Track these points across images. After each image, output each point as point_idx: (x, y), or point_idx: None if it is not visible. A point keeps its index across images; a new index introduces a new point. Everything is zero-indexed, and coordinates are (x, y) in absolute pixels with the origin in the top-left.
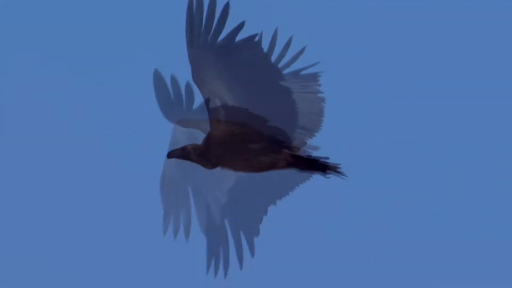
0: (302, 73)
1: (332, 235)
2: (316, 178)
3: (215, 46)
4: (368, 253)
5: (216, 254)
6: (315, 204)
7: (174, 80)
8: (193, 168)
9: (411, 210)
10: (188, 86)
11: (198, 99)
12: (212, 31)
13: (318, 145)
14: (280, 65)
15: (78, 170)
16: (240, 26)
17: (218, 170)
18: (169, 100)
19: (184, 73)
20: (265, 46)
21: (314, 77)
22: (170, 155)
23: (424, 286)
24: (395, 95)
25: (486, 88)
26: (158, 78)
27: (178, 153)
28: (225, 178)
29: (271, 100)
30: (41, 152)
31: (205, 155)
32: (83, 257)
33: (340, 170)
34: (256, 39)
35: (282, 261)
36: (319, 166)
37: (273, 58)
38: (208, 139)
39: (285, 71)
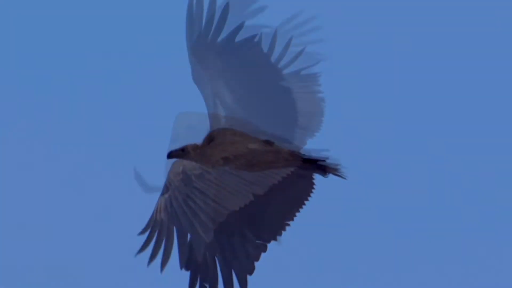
0: (302, 73)
1: (332, 235)
2: (316, 178)
3: (215, 46)
4: (368, 253)
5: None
6: (315, 204)
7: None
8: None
9: (411, 210)
10: (225, 8)
11: (199, 102)
12: (212, 31)
13: (318, 146)
14: (280, 65)
15: (78, 170)
16: (240, 26)
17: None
18: (199, 25)
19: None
20: (265, 45)
21: (314, 77)
22: (170, 155)
23: (424, 286)
24: (396, 95)
25: (486, 86)
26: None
27: (178, 153)
28: (217, 214)
29: (271, 100)
30: (41, 153)
31: (205, 155)
32: (83, 257)
33: (339, 171)
34: (256, 39)
35: (282, 261)
36: (319, 166)
37: (273, 57)
38: (208, 139)
39: (285, 71)
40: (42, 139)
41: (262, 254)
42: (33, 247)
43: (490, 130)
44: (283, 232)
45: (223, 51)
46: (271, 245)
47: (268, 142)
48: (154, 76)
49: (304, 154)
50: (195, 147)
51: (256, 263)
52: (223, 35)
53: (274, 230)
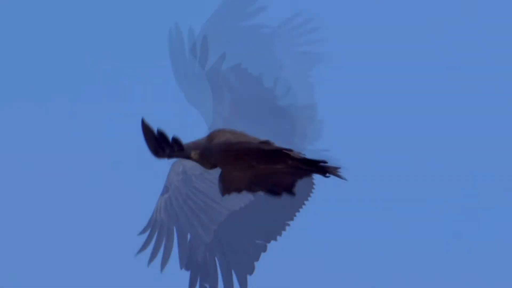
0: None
1: (332, 235)
2: (316, 178)
3: (202, 75)
4: (368, 253)
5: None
6: (315, 204)
7: (191, 32)
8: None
9: (411, 210)
10: (204, 38)
11: (212, 57)
12: (197, 61)
13: (318, 146)
14: (274, 90)
15: (76, 172)
16: (223, 56)
17: (207, 207)
18: (184, 57)
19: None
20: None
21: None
22: (170, 155)
23: (425, 286)
24: (396, 95)
25: (487, 86)
26: (175, 32)
27: (178, 153)
28: (216, 214)
29: (267, 119)
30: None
31: (205, 155)
32: (83, 257)
33: (339, 172)
34: (241, 66)
35: (282, 261)
36: (319, 168)
37: (266, 84)
38: (208, 139)
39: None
40: (42, 139)
41: (262, 254)
42: (33, 246)
43: (490, 130)
44: (283, 232)
45: (212, 78)
46: (271, 245)
47: (267, 142)
48: (154, 77)
49: (304, 155)
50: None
51: (256, 263)
52: (209, 64)
53: (274, 230)
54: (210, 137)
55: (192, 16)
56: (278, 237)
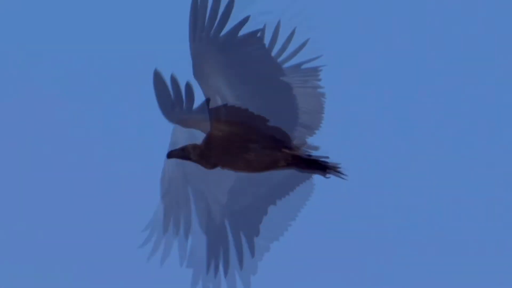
0: (303, 67)
1: (331, 236)
2: (316, 178)
3: (217, 40)
4: (368, 253)
5: (216, 254)
6: (315, 204)
7: (174, 79)
8: (193, 169)
9: (411, 210)
10: (188, 85)
11: (198, 99)
12: (215, 25)
13: (318, 144)
14: (282, 58)
15: (77, 170)
16: (244, 20)
17: (218, 170)
18: (169, 99)
19: (184, 72)
20: (267, 38)
21: (314, 71)
22: (170, 155)
23: (425, 286)
24: (396, 94)
25: (487, 86)
26: (158, 77)
27: (178, 153)
28: (225, 178)
29: (272, 96)
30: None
31: (205, 155)
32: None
33: (340, 170)
34: (259, 34)
35: (282, 261)
36: (319, 165)
37: (275, 50)
38: (208, 139)
39: (286, 64)
40: (42, 139)
41: (265, 254)
42: (32, 245)
43: (491, 130)
44: (285, 232)
45: (225, 46)
46: (273, 245)
47: (268, 142)
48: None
49: (304, 154)
50: (195, 147)
51: (259, 263)
52: (226, 29)
53: (276, 230)
54: (209, 137)
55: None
56: (280, 237)
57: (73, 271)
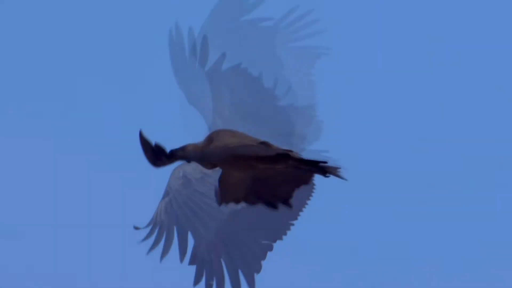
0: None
1: (331, 236)
2: (316, 178)
3: (202, 75)
4: (368, 253)
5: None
6: (315, 205)
7: (191, 32)
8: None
9: (412, 210)
10: (204, 38)
11: (212, 55)
12: (197, 61)
13: (318, 146)
14: (274, 90)
15: (77, 170)
16: (223, 56)
17: (208, 207)
18: (184, 58)
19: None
20: (254, 70)
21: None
22: (171, 154)
23: (425, 286)
24: (396, 94)
25: (487, 86)
26: (174, 32)
27: (179, 153)
28: (218, 213)
29: (267, 119)
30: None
31: (205, 155)
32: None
33: (339, 172)
34: (242, 66)
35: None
36: (319, 168)
37: (266, 84)
38: (208, 139)
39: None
40: (42, 138)
41: (268, 253)
42: (32, 245)
43: (491, 130)
44: (287, 231)
45: (212, 78)
46: (276, 244)
47: (266, 144)
48: (153, 76)
49: (304, 159)
50: (195, 147)
51: (262, 262)
52: (209, 64)
53: (279, 229)
54: (210, 138)
55: (192, 15)
56: (283, 236)
57: (74, 271)
